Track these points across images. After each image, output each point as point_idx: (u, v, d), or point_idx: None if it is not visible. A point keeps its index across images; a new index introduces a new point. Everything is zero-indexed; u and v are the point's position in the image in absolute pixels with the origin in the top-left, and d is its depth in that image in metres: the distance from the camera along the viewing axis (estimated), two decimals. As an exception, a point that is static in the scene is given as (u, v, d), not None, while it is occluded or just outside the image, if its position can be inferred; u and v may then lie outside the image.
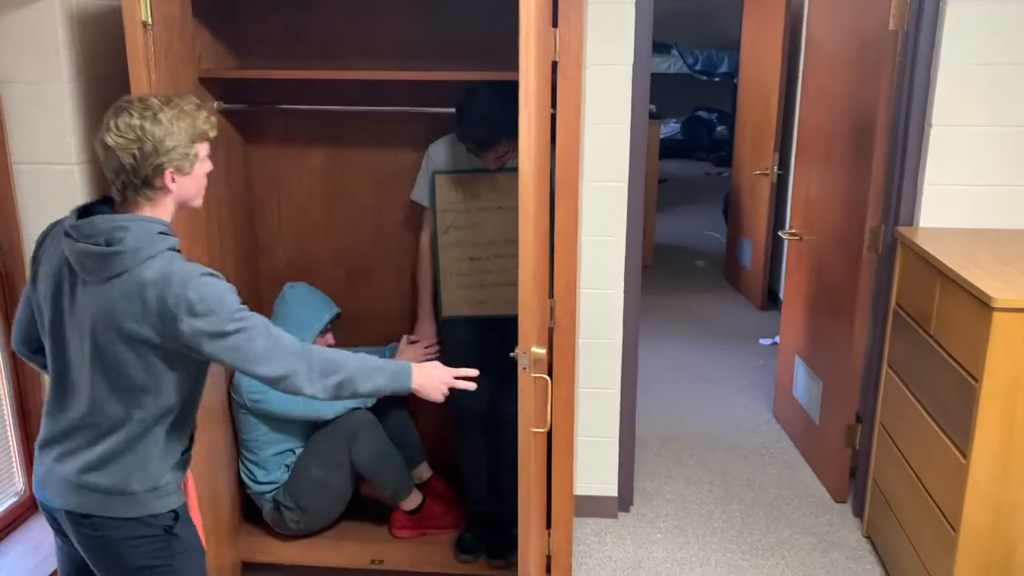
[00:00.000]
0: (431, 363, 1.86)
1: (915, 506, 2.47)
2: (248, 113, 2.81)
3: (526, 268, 1.78)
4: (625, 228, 2.77)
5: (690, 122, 10.15)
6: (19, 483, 2.45)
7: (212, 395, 2.52)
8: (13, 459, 2.42)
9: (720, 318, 5.06)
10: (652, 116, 6.10)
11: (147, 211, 1.64)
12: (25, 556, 2.27)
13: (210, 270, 1.62)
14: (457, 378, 1.85)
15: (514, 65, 2.46)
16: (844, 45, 3.09)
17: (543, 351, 1.82)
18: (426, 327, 2.81)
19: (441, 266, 2.70)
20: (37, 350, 1.77)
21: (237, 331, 1.59)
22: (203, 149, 1.67)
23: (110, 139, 1.58)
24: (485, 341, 2.75)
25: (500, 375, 2.74)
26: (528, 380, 1.83)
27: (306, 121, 2.87)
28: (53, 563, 2.19)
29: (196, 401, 1.73)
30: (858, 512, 3.04)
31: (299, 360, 1.63)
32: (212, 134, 1.68)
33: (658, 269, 5.94)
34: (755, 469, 3.42)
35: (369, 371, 1.71)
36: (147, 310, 1.58)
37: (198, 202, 1.71)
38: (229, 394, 2.69)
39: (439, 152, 2.67)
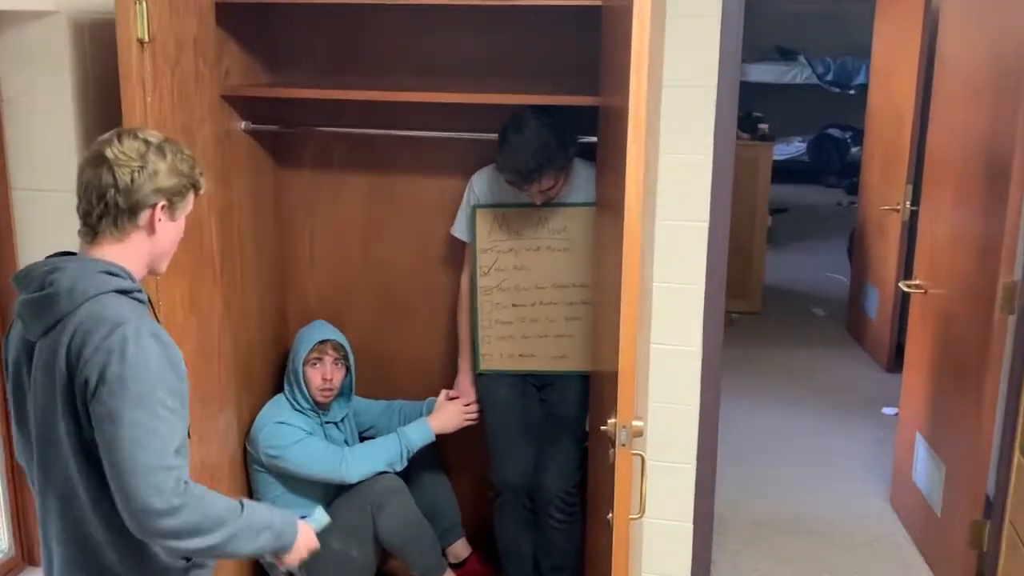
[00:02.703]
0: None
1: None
2: (281, 135, 2.88)
3: (628, 320, 1.78)
4: (704, 274, 2.70)
5: (819, 142, 9.90)
6: (4, 541, 2.54)
7: (218, 449, 2.57)
8: (0, 517, 2.53)
9: (837, 379, 4.89)
10: (762, 135, 5.96)
11: (112, 254, 1.63)
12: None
13: (162, 332, 1.58)
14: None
15: (586, 88, 2.47)
16: (979, 65, 2.94)
17: (641, 423, 1.81)
18: (466, 381, 2.81)
19: (480, 312, 2.71)
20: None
21: (134, 424, 1.50)
22: (191, 201, 1.71)
23: (110, 152, 1.62)
24: (528, 402, 2.73)
25: (544, 442, 2.70)
26: (626, 459, 1.81)
27: (345, 145, 2.92)
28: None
29: None
30: (985, 629, 2.83)
31: (178, 500, 1.53)
32: (202, 188, 1.73)
33: (767, 316, 5.81)
34: (862, 566, 3.24)
35: (253, 531, 1.63)
36: (70, 365, 1.54)
37: (163, 266, 1.71)
38: (244, 448, 2.74)
39: (482, 183, 2.68)
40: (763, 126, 6.12)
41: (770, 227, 6.26)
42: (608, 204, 2.21)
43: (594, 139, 2.56)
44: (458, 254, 2.86)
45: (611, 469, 1.83)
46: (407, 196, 2.94)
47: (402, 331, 3.01)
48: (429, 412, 2.84)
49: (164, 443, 1.53)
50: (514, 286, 2.68)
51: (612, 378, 1.85)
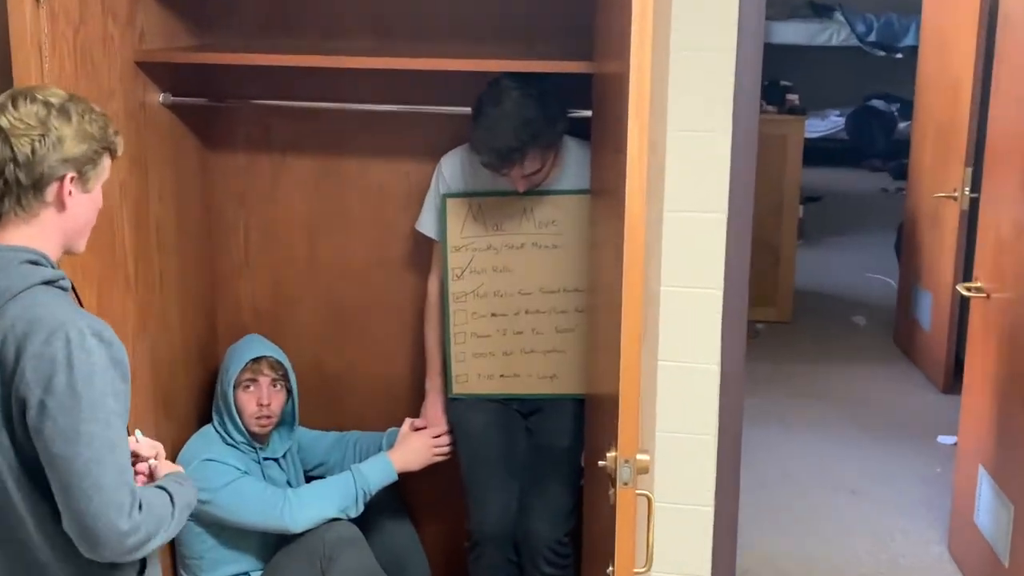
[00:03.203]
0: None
1: None
2: (209, 109, 2.87)
3: (630, 332, 1.78)
4: (723, 275, 2.71)
5: (860, 115, 9.95)
6: None
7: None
8: None
9: (883, 401, 4.90)
10: (792, 109, 5.99)
11: (23, 236, 1.69)
12: None
13: (102, 328, 1.65)
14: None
15: (577, 52, 2.47)
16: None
17: (647, 457, 1.82)
18: (435, 408, 2.81)
19: (452, 324, 2.71)
20: None
21: (90, 440, 1.59)
22: (107, 167, 1.76)
23: (4, 121, 1.66)
24: (510, 432, 2.73)
25: (531, 481, 2.70)
26: (630, 500, 1.81)
27: (287, 121, 2.91)
28: None
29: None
30: None
31: (138, 515, 1.65)
32: (119, 151, 1.78)
33: (798, 326, 5.81)
34: (915, 628, 3.26)
35: (183, 511, 1.79)
36: (3, 376, 1.61)
37: (81, 244, 1.77)
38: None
39: (453, 166, 2.69)
40: (792, 97, 6.15)
41: (801, 219, 6.29)
42: (605, 191, 2.21)
43: (588, 113, 2.56)
44: (425, 253, 2.85)
45: (611, 513, 1.82)
46: (362, 183, 2.93)
47: (357, 347, 3.00)
48: (391, 445, 2.84)
49: (121, 455, 1.65)
50: (493, 292, 2.68)
51: (612, 402, 1.85)
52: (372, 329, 3.00)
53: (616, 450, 1.80)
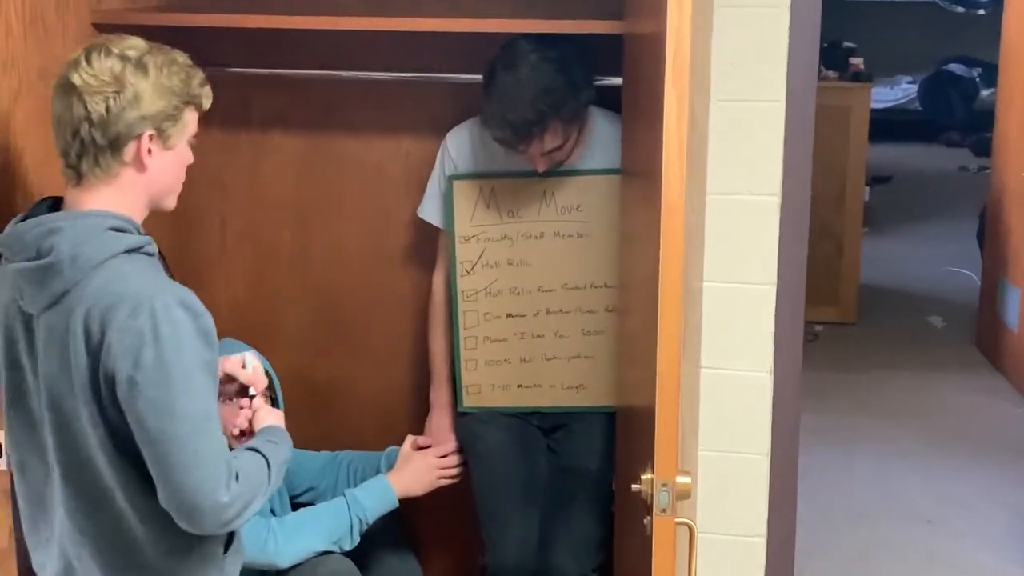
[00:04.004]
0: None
1: None
2: (178, 78, 2.89)
3: (668, 335, 1.79)
4: (776, 269, 2.71)
5: (935, 82, 9.91)
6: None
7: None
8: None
9: (964, 415, 4.89)
10: (856, 74, 5.96)
11: (104, 199, 1.84)
12: None
13: (188, 297, 1.81)
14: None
15: (605, 10, 2.47)
16: None
17: (688, 480, 1.82)
18: (441, 423, 2.82)
19: (461, 326, 2.72)
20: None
21: (186, 415, 1.77)
22: (192, 121, 1.91)
23: (77, 78, 1.80)
24: (530, 451, 2.74)
25: (554, 507, 2.71)
26: (668, 529, 1.81)
27: (270, 93, 2.93)
28: None
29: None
30: None
31: (236, 485, 1.83)
32: (206, 103, 1.92)
33: (864, 328, 5.81)
34: None
35: (278, 470, 1.96)
36: (90, 350, 1.77)
37: (170, 202, 1.94)
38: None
39: (461, 143, 2.69)
40: (857, 61, 6.12)
41: (867, 203, 6.27)
42: (638, 171, 2.22)
43: (617, 80, 2.57)
44: (429, 245, 2.86)
45: (647, 545, 1.83)
46: (357, 164, 2.94)
47: (351, 353, 3.02)
48: (390, 467, 2.84)
49: (216, 428, 1.82)
50: (509, 288, 2.69)
51: (647, 416, 1.85)
52: (369, 332, 3.01)
53: (652, 472, 1.81)
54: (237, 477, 1.83)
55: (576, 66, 2.51)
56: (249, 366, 2.14)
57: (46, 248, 1.79)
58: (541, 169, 2.57)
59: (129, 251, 1.82)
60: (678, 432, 1.83)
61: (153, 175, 1.86)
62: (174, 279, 1.97)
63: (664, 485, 1.80)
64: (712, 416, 2.76)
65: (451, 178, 2.68)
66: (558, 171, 2.61)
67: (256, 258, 3.01)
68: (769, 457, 2.78)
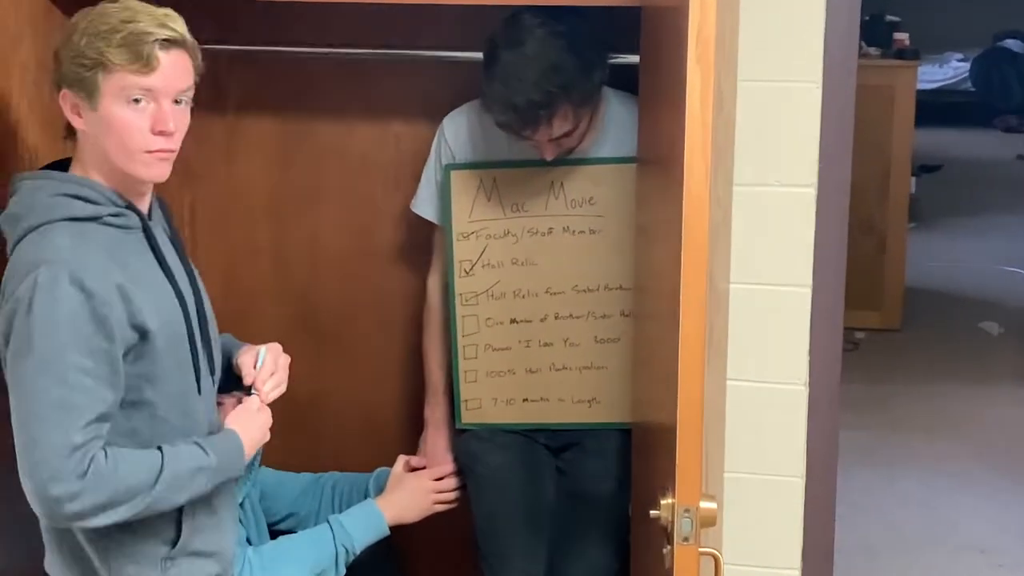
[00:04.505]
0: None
1: None
2: (143, 56, 2.89)
3: (691, 343, 1.79)
4: (812, 269, 2.71)
5: (989, 60, 9.94)
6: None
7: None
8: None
9: (1021, 432, 4.90)
10: (901, 51, 5.96)
11: (79, 157, 2.04)
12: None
13: (88, 276, 1.90)
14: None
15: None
16: None
17: (713, 505, 1.81)
18: (437, 442, 2.82)
19: (459, 333, 2.71)
20: None
21: (36, 394, 1.88)
22: (114, 80, 1.96)
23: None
24: (537, 473, 2.74)
25: (564, 536, 2.70)
26: (691, 560, 1.81)
27: (245, 72, 2.92)
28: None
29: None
30: None
31: (78, 484, 1.90)
32: (116, 60, 1.93)
33: (910, 335, 5.84)
34: None
35: (183, 482, 2.01)
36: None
37: (132, 168, 2.00)
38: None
39: (459, 129, 2.69)
40: (901, 36, 6.13)
41: (914, 195, 6.28)
42: (657, 160, 2.21)
43: (634, 58, 2.56)
44: (423, 242, 2.86)
45: (667, 576, 1.82)
46: (340, 151, 2.94)
47: (334, 362, 3.02)
48: (380, 491, 2.84)
49: (72, 417, 1.89)
50: (513, 291, 2.68)
51: (667, 434, 1.85)
52: (355, 340, 3.00)
53: (673, 496, 1.80)
54: (87, 472, 1.89)
55: (588, 42, 2.49)
56: (260, 361, 2.25)
57: (5, 206, 2.01)
58: (549, 157, 2.56)
59: (75, 219, 1.96)
60: (702, 452, 1.82)
61: (91, 136, 2.00)
62: (184, 258, 2.19)
63: (686, 511, 1.80)
64: (740, 434, 2.76)
65: (448, 168, 2.66)
66: (568, 160, 2.60)
67: (227, 255, 3.00)
68: (804, 479, 2.78)
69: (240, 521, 2.82)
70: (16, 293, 1.90)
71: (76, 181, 2.00)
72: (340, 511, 2.80)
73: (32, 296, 1.88)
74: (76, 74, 1.96)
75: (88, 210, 1.97)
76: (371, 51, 2.79)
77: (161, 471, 1.97)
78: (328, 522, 2.73)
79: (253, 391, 2.22)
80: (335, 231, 2.97)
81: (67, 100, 1.99)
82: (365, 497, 2.84)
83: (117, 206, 2.01)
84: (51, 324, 1.88)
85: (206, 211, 3.00)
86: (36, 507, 1.93)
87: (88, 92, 1.96)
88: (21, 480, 1.91)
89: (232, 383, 2.32)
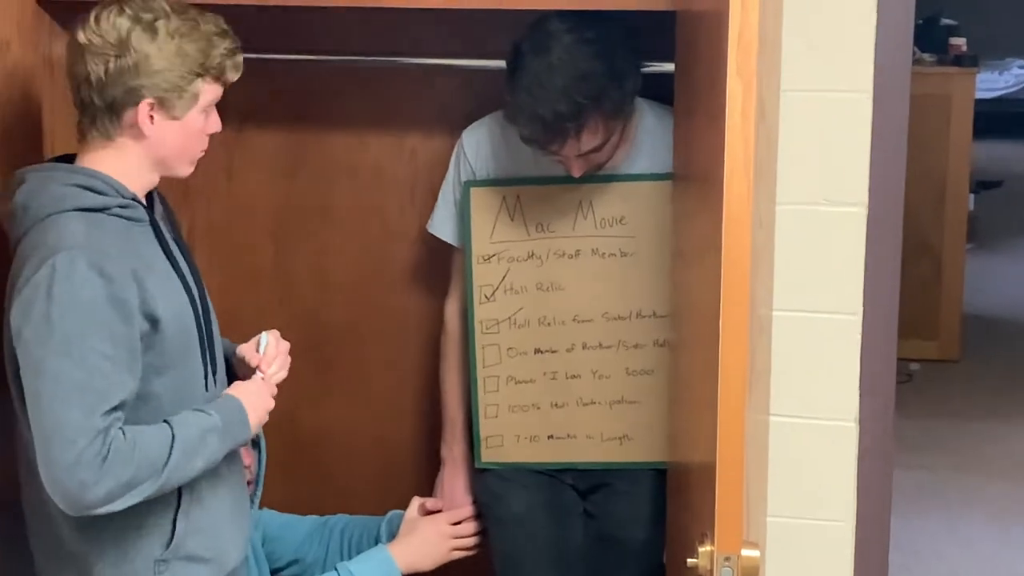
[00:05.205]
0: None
1: None
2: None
3: (732, 381, 1.79)
4: (862, 294, 2.71)
5: (1055, 67, 9.89)
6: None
7: None
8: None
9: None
10: (959, 58, 5.96)
11: (100, 159, 2.11)
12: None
13: (106, 261, 1.99)
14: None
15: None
16: None
17: (756, 553, 1.81)
18: (455, 482, 2.82)
19: (480, 364, 2.71)
20: None
21: (57, 376, 1.97)
22: (209, 92, 2.13)
23: (82, 35, 2.06)
24: (564, 517, 2.74)
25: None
26: None
27: (248, 80, 2.85)
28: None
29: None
30: None
31: (100, 469, 1.99)
32: (231, 76, 2.15)
33: (969, 367, 5.81)
34: None
35: (193, 449, 2.10)
36: (8, 302, 2.04)
37: (183, 169, 2.19)
38: None
39: (480, 143, 2.69)
40: (958, 41, 6.12)
41: (972, 213, 6.25)
42: (694, 176, 2.22)
43: (669, 67, 2.56)
44: (441, 265, 2.86)
45: (705, 631, 1.83)
46: (351, 166, 2.95)
47: (343, 395, 3.02)
48: (392, 536, 2.84)
49: (94, 400, 1.98)
50: (538, 319, 2.68)
51: (705, 475, 1.85)
52: (365, 370, 3.01)
53: (712, 543, 1.80)
54: (110, 455, 1.97)
55: (619, 49, 2.50)
56: (263, 346, 2.33)
57: (11, 197, 2.10)
58: (577, 174, 2.56)
59: (85, 209, 2.05)
60: (743, 495, 1.82)
61: (155, 143, 2.11)
62: (186, 251, 2.27)
63: (727, 559, 1.80)
64: (784, 475, 2.75)
65: (468, 184, 2.67)
66: (597, 176, 2.60)
67: (227, 276, 3.00)
68: (854, 525, 2.77)
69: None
70: (33, 279, 1.98)
71: (85, 173, 2.08)
72: (349, 558, 2.80)
73: (51, 282, 1.96)
74: (176, 86, 2.07)
75: (98, 201, 2.06)
76: (385, 58, 2.81)
77: (173, 440, 2.06)
78: (336, 570, 2.74)
79: (258, 373, 2.30)
80: (345, 252, 2.98)
81: (145, 109, 2.06)
82: (376, 543, 2.84)
83: (125, 198, 2.10)
84: (71, 308, 1.97)
85: (206, 230, 3.02)
86: (59, 495, 2.00)
87: (180, 103, 2.09)
88: (42, 469, 1.99)
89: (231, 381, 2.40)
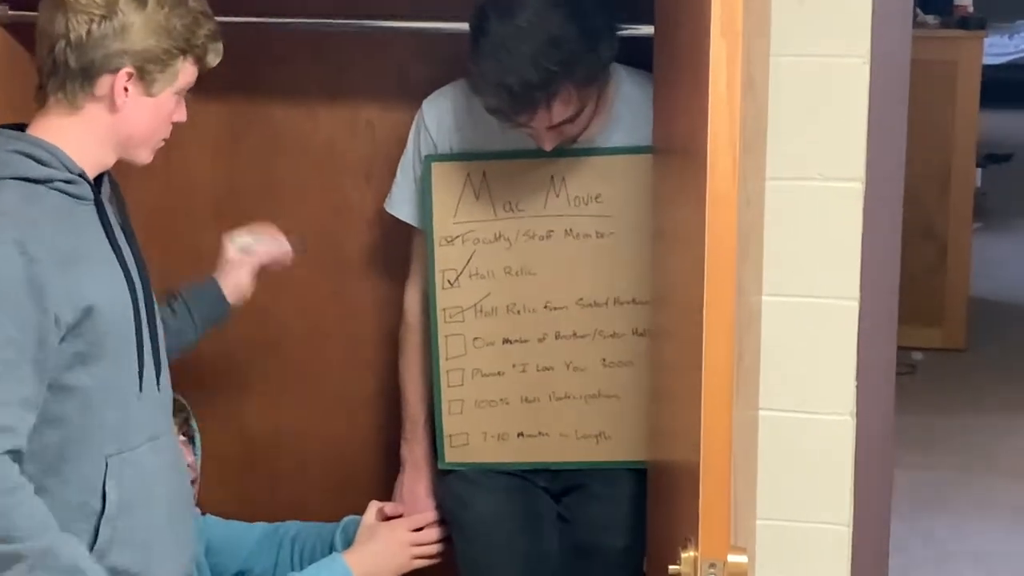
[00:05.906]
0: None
1: None
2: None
3: (717, 373, 1.79)
4: (860, 278, 2.72)
5: (1070, 31, 9.95)
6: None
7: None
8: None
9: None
10: (964, 20, 5.98)
11: (59, 129, 2.13)
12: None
13: (32, 241, 2.00)
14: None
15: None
16: None
17: (744, 559, 1.81)
18: (416, 485, 2.83)
19: (442, 356, 2.72)
20: None
21: None
22: (187, 73, 2.19)
23: None
24: (536, 521, 2.75)
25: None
26: None
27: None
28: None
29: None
30: None
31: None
32: (211, 60, 2.22)
33: (976, 357, 5.86)
34: None
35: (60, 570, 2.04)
36: None
37: (143, 154, 2.24)
38: None
39: (441, 114, 2.70)
40: (964, 2, 6.15)
41: (979, 189, 6.28)
42: (676, 151, 2.22)
43: (649, 30, 2.57)
44: (399, 248, 2.88)
45: (689, 644, 1.83)
46: (301, 140, 2.96)
47: (295, 392, 3.04)
48: (348, 543, 2.84)
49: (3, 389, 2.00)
50: (506, 306, 2.69)
51: (689, 475, 1.86)
52: (319, 365, 3.02)
53: (696, 549, 1.80)
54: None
55: (593, 11, 2.50)
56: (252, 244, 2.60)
57: None
58: (548, 147, 2.56)
59: (24, 179, 2.07)
60: (730, 496, 1.83)
61: (124, 118, 2.15)
62: (133, 240, 2.29)
63: (712, 566, 1.80)
64: (775, 474, 2.77)
65: (429, 159, 2.67)
66: (571, 150, 2.61)
67: (168, 264, 2.98)
68: (851, 528, 2.80)
69: None
70: None
71: (30, 141, 2.11)
72: (301, 568, 2.81)
73: None
74: (157, 57, 2.13)
75: (40, 172, 2.08)
76: (338, 21, 2.80)
77: (51, 538, 2.04)
78: (288, 582, 2.75)
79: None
80: (301, 233, 2.97)
81: (122, 79, 2.10)
82: (331, 551, 2.85)
83: (71, 172, 2.11)
84: None
85: (141, 212, 2.97)
86: None
87: (161, 77, 2.15)
88: None
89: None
